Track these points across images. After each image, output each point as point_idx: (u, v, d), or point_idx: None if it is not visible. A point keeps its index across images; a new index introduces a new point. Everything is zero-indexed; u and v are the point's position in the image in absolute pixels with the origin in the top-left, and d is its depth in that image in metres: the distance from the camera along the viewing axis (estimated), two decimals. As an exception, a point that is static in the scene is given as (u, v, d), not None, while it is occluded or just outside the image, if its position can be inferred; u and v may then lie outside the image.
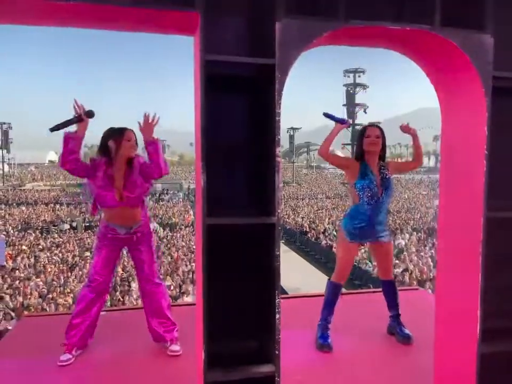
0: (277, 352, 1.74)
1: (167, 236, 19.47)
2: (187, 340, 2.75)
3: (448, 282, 2.15)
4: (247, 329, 1.81)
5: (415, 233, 19.33)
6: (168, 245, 16.85)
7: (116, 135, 2.83)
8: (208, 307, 1.70)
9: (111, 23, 1.88)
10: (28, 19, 1.83)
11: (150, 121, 2.75)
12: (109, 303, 9.57)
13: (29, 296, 9.90)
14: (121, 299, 10.01)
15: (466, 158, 1.97)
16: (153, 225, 22.92)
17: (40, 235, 19.91)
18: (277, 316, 1.73)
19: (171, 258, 14.30)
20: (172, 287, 11.00)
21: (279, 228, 1.71)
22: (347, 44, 2.00)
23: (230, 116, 1.76)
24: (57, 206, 31.07)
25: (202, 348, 1.69)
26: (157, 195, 38.82)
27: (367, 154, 2.98)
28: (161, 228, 22.13)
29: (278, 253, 1.73)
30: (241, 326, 1.81)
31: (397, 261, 14.22)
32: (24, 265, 13.23)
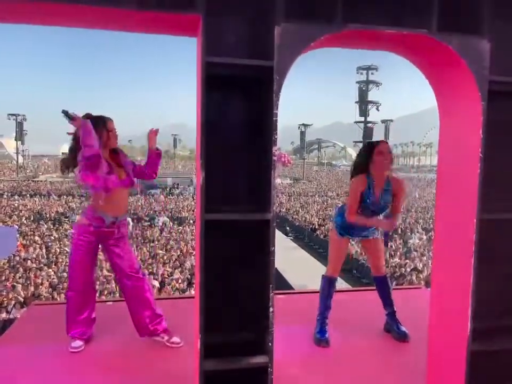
0: (270, 344, 1.81)
1: (177, 230, 19.63)
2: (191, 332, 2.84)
3: (442, 281, 2.19)
4: (242, 322, 1.88)
5: (424, 232, 19.22)
6: (177, 239, 17.02)
7: (99, 126, 2.79)
8: (205, 300, 1.77)
9: (116, 24, 1.96)
10: (36, 19, 1.91)
11: (155, 133, 3.04)
12: (118, 294, 9.75)
13: (40, 286, 10.13)
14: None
15: (462, 160, 2.01)
16: (163, 218, 23.18)
17: (52, 226, 20.24)
18: (271, 309, 1.80)
19: (180, 252, 14.46)
20: (180, 280, 11.15)
21: (274, 224, 1.78)
22: (345, 47, 2.04)
23: (229, 115, 1.82)
24: (70, 198, 31.51)
25: (199, 339, 1.77)
26: (168, 189, 39.13)
27: (378, 171, 2.94)
28: (170, 222, 22.36)
29: (273, 248, 1.79)
30: (236, 318, 1.88)
31: (407, 260, 14.20)
32: (36, 256, 13.50)
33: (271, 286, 1.80)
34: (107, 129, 2.85)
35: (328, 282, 3.13)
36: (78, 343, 2.85)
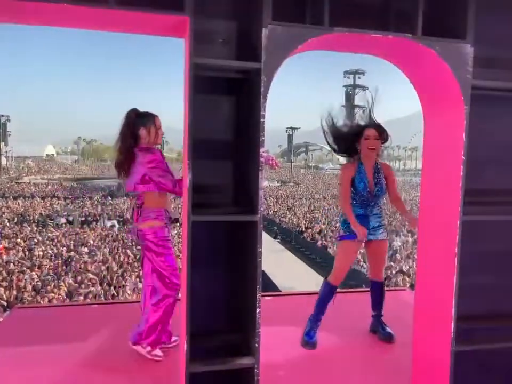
0: (256, 345, 1.81)
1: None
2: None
3: (426, 283, 2.22)
4: (229, 323, 1.88)
5: (410, 235, 19.43)
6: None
7: (148, 122, 2.68)
8: (191, 301, 1.76)
9: (104, 24, 1.95)
10: (25, 19, 1.88)
11: None
12: (103, 298, 9.65)
13: (23, 290, 9.96)
14: (116, 294, 10.08)
15: (445, 163, 2.04)
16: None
17: (36, 228, 19.93)
18: (258, 310, 1.80)
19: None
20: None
21: (261, 225, 1.78)
22: (332, 50, 2.07)
23: (217, 117, 1.82)
24: (54, 200, 31.10)
25: (185, 340, 1.76)
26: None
27: (365, 156, 2.97)
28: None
29: (260, 249, 1.79)
30: (223, 320, 1.88)
31: (391, 263, 14.33)
32: (20, 258, 13.27)
33: (258, 287, 1.80)
34: (155, 126, 2.73)
35: (329, 289, 3.05)
36: (159, 351, 2.72)
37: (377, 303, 3.16)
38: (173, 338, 2.88)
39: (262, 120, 1.75)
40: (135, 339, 2.74)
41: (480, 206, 2.00)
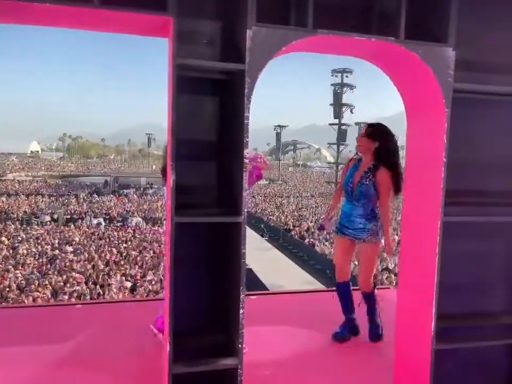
0: (240, 346, 1.81)
1: (150, 231, 19.38)
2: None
3: (408, 282, 2.25)
4: (213, 324, 1.89)
5: (396, 233, 19.62)
6: (151, 240, 16.81)
7: None
8: (174, 302, 1.76)
9: (88, 24, 1.92)
10: (7, 18, 1.86)
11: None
12: (88, 297, 9.56)
13: (7, 289, 9.81)
14: (101, 293, 10.00)
15: (427, 165, 2.07)
16: (137, 219, 22.85)
17: (20, 226, 19.64)
18: (241, 311, 1.80)
19: (153, 253, 14.28)
20: (153, 282, 11.03)
21: (245, 226, 1.79)
22: (316, 51, 2.08)
23: (201, 117, 1.82)
24: (39, 198, 30.66)
25: (167, 341, 1.76)
26: (141, 189, 38.60)
27: (361, 153, 2.96)
28: (144, 222, 22.07)
29: (244, 250, 1.80)
30: (206, 321, 1.88)
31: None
32: (3, 257, 13.07)
33: (241, 288, 1.80)
34: None
35: (337, 286, 3.07)
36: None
37: (368, 312, 3.03)
38: None
39: (246, 121, 1.75)
40: (159, 326, 2.66)
41: (461, 207, 2.04)
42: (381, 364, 2.75)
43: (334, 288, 3.21)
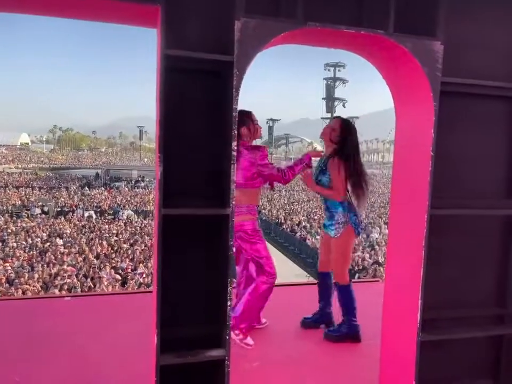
0: (227, 337, 1.82)
1: (141, 223, 19.31)
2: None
3: (395, 274, 2.28)
4: (200, 315, 1.89)
5: (387, 227, 19.77)
6: (142, 233, 16.76)
7: (247, 121, 2.84)
8: (162, 294, 1.76)
9: (75, 13, 1.90)
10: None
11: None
12: (79, 290, 9.52)
13: (-4, 281, 9.73)
14: (93, 286, 9.96)
15: (414, 158, 2.08)
16: (128, 212, 22.75)
17: (9, 219, 19.45)
18: (229, 303, 1.81)
19: (145, 246, 14.24)
20: (145, 275, 11.02)
21: (233, 219, 1.79)
22: (305, 44, 2.07)
23: (189, 109, 1.81)
24: (29, 190, 30.37)
25: (155, 333, 1.76)
26: (133, 182, 38.39)
27: None
28: (135, 215, 21.98)
29: (231, 243, 1.80)
30: (194, 312, 1.88)
31: (366, 254, 14.65)
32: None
33: (229, 280, 1.81)
34: (253, 122, 2.87)
35: (317, 276, 3.25)
36: (251, 340, 2.85)
37: (342, 307, 3.02)
38: (263, 320, 3.06)
39: (234, 113, 1.75)
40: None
41: (447, 200, 2.06)
42: (366, 355, 2.78)
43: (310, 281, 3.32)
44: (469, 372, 2.30)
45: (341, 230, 2.96)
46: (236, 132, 1.76)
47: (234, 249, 3.00)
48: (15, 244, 13.81)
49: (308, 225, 20.28)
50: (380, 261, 13.57)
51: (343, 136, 2.94)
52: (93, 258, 12.24)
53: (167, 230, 1.74)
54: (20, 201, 25.32)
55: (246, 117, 2.83)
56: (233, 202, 1.78)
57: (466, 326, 2.19)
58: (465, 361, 2.29)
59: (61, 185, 35.05)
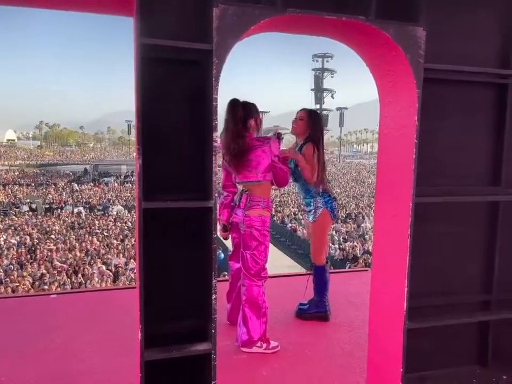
0: (213, 331, 1.80)
1: (132, 219, 19.18)
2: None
3: (381, 263, 2.27)
4: (185, 309, 1.86)
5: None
6: (133, 228, 16.64)
7: (256, 112, 2.80)
8: (145, 288, 1.73)
9: (48, 2, 1.84)
10: None
11: None
12: (69, 287, 9.43)
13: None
14: (83, 282, 9.89)
15: (399, 146, 2.07)
16: (118, 207, 22.57)
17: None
18: (213, 296, 1.79)
19: (135, 241, 14.15)
20: (135, 271, 10.95)
21: (216, 211, 1.76)
22: (286, 32, 2.03)
23: (168, 100, 1.77)
24: (16, 187, 29.96)
25: (139, 329, 1.73)
26: (122, 177, 38.06)
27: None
28: (126, 211, 21.81)
29: (215, 235, 1.77)
30: (178, 306, 1.86)
31: (355, 243, 14.78)
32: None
33: (213, 273, 1.78)
34: (257, 112, 2.85)
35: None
36: (275, 342, 2.77)
37: (314, 286, 3.18)
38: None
39: (214, 103, 1.71)
40: (245, 343, 2.72)
41: (432, 188, 2.05)
42: (355, 344, 2.79)
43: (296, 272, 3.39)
44: (456, 359, 2.32)
45: (318, 214, 3.12)
46: (216, 123, 1.73)
47: (234, 245, 3.00)
48: (2, 243, 13.63)
49: (300, 216, 20.33)
50: (371, 251, 13.68)
51: (311, 124, 3.10)
52: (82, 255, 12.14)
53: (149, 224, 1.71)
54: (7, 199, 24.99)
55: (255, 109, 2.81)
56: (216, 195, 1.75)
57: (453, 313, 2.19)
58: (453, 348, 2.30)
59: (49, 181, 34.64)
